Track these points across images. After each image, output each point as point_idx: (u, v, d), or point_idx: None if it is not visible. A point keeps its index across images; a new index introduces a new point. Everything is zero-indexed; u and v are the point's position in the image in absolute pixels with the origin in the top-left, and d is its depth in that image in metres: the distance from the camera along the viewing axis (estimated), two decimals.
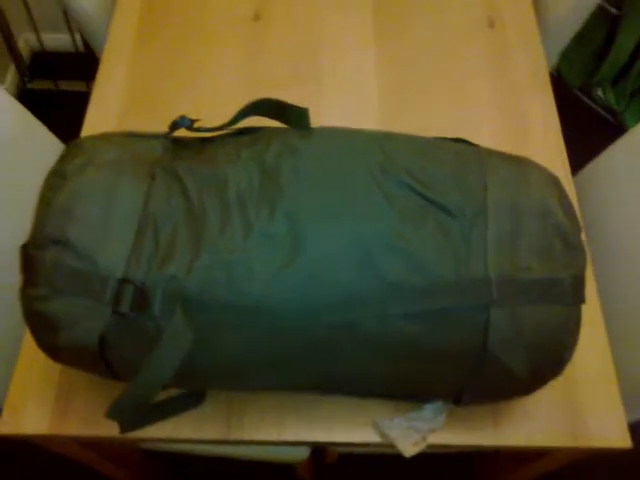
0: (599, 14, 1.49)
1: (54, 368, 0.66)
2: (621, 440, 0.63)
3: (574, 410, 0.65)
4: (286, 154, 0.56)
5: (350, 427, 0.63)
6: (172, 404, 0.61)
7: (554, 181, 0.58)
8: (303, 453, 0.86)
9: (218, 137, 0.61)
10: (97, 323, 0.50)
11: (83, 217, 0.52)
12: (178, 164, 0.56)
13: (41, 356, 0.66)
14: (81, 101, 1.13)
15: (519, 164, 0.59)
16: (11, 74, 1.69)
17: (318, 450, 0.96)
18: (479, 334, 0.51)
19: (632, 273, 0.76)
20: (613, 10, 1.48)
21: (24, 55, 1.72)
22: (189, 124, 0.61)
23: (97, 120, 0.86)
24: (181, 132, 0.61)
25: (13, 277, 0.66)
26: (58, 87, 1.71)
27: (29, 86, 1.72)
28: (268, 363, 0.53)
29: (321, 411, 0.64)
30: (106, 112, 0.86)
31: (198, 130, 0.60)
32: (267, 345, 0.51)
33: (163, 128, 0.62)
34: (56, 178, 0.55)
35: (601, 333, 0.69)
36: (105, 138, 0.60)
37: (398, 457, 0.64)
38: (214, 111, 0.85)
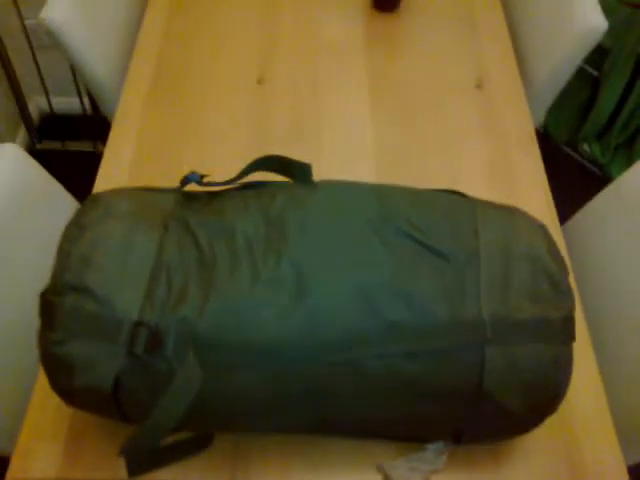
0: (581, 74, 1.58)
1: (64, 415, 0.68)
2: (619, 476, 0.64)
3: (572, 448, 0.66)
4: (290, 207, 0.59)
5: (354, 470, 0.65)
6: (180, 447, 0.63)
7: (541, 228, 0.62)
8: None
9: (226, 191, 0.65)
10: (112, 365, 0.53)
11: (101, 265, 0.55)
12: (189, 216, 0.60)
13: (52, 402, 0.68)
14: (87, 161, 1.17)
15: (508, 212, 0.63)
16: (21, 135, 1.76)
17: None
18: (475, 373, 0.54)
19: (622, 317, 0.79)
20: (594, 72, 1.57)
21: (34, 117, 1.79)
22: (199, 179, 0.65)
23: (109, 176, 0.90)
24: (191, 187, 0.65)
25: (21, 328, 0.68)
26: (66, 148, 1.77)
27: (38, 147, 1.79)
28: (273, 401, 0.55)
29: (325, 455, 0.65)
30: (117, 169, 0.91)
31: (207, 185, 0.65)
32: (273, 385, 0.54)
33: (172, 185, 0.66)
34: (75, 229, 0.59)
35: (594, 373, 0.72)
36: (120, 192, 0.64)
37: None
38: (221, 168, 0.90)
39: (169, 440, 0.61)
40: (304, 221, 0.58)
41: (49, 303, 0.55)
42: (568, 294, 0.57)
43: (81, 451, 0.65)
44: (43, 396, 0.69)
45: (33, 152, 1.79)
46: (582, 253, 0.90)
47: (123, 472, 0.64)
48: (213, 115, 0.98)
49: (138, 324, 0.53)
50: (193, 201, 0.64)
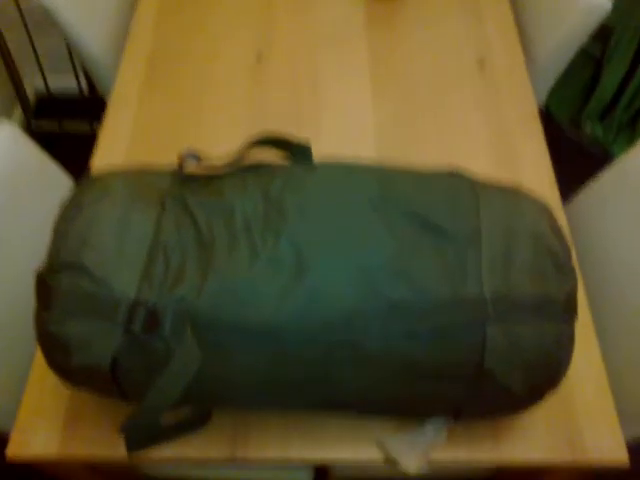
0: (584, 54, 1.56)
1: (63, 392, 0.67)
2: (619, 456, 0.64)
3: (572, 427, 0.66)
4: (290, 186, 0.59)
5: (353, 445, 0.65)
6: (179, 424, 0.63)
7: (544, 206, 0.61)
8: (305, 477, 0.86)
9: (224, 171, 0.64)
10: (110, 344, 0.52)
11: (98, 243, 0.54)
12: (187, 195, 0.59)
13: (50, 380, 0.68)
14: (84, 142, 1.16)
15: (511, 192, 0.62)
16: (17, 116, 1.74)
17: (320, 475, 0.96)
18: (476, 352, 0.53)
19: (624, 296, 0.79)
20: (596, 52, 1.55)
21: (30, 98, 1.77)
22: (196, 157, 0.64)
23: (106, 156, 0.89)
24: (189, 168, 0.64)
25: (17, 307, 0.68)
26: (62, 129, 1.75)
27: (34, 127, 1.77)
28: (272, 382, 0.55)
29: (325, 430, 0.65)
30: (114, 149, 0.90)
31: (205, 164, 0.64)
32: (272, 364, 0.53)
33: (169, 165, 0.65)
34: (71, 209, 0.58)
35: (595, 352, 0.71)
36: (117, 172, 0.63)
37: None
38: (219, 149, 0.89)
39: (168, 416, 0.60)
40: (303, 201, 0.57)
41: (45, 283, 0.55)
42: (571, 273, 0.57)
43: (80, 427, 0.65)
44: (41, 373, 0.69)
45: (29, 132, 1.77)
46: (584, 233, 0.89)
47: (122, 448, 0.64)
48: (211, 94, 0.96)
49: (135, 303, 0.52)
50: (191, 181, 0.63)
